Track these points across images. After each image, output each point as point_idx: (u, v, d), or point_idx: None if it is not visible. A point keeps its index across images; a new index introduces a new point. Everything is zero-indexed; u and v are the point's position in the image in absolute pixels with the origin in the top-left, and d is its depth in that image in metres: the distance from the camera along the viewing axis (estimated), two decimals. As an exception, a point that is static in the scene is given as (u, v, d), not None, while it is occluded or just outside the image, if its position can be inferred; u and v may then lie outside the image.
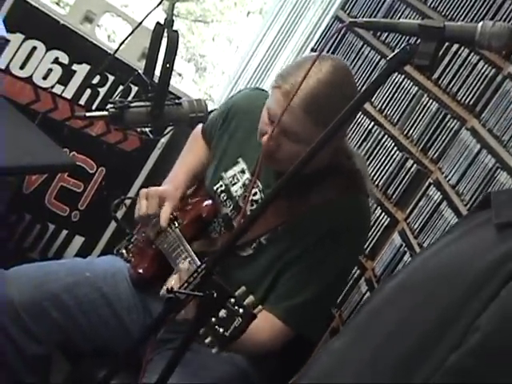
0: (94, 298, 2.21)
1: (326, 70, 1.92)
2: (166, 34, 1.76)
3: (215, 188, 2.22)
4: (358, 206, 2.11)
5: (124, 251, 2.32)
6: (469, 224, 1.27)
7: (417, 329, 1.14)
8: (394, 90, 2.61)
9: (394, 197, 2.47)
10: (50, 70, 2.89)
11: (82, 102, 2.97)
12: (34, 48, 2.85)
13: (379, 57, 2.77)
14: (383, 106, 2.64)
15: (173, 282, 1.96)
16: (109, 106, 1.76)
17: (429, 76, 2.48)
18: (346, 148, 2.13)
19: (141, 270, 2.23)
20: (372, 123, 2.67)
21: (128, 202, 2.48)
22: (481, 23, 1.33)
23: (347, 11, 3.03)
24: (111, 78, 2.97)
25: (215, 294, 1.48)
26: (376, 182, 2.54)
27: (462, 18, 2.45)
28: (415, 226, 2.29)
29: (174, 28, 1.76)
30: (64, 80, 2.92)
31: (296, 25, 3.39)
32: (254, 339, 1.85)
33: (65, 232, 3.15)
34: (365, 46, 2.85)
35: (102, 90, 2.98)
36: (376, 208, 2.50)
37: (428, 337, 1.12)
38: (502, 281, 1.10)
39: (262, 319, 1.91)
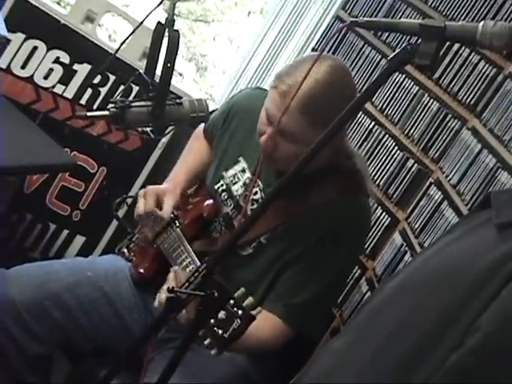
0: (95, 298, 2.22)
1: (323, 70, 1.92)
2: (166, 34, 1.76)
3: (216, 187, 2.23)
4: (359, 206, 2.11)
5: (125, 250, 2.33)
6: (469, 224, 1.27)
7: (417, 329, 1.14)
8: (394, 90, 2.61)
9: (394, 196, 2.47)
10: (51, 69, 2.90)
11: (82, 101, 2.98)
12: (35, 48, 2.85)
13: (380, 56, 2.77)
14: (384, 106, 2.64)
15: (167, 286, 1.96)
16: (110, 105, 1.76)
17: (430, 76, 2.48)
18: (346, 148, 2.13)
19: (142, 270, 2.23)
20: (373, 123, 2.67)
21: (129, 200, 2.48)
22: (482, 23, 1.33)
23: (348, 11, 3.03)
24: (112, 77, 2.97)
25: (216, 294, 1.48)
26: (377, 182, 2.54)
27: (462, 18, 2.45)
28: (416, 226, 2.29)
29: (175, 28, 1.76)
30: (65, 80, 2.92)
31: (297, 24, 3.39)
32: (255, 339, 1.85)
33: (66, 232, 3.15)
34: (366, 45, 2.85)
35: (103, 90, 2.98)
36: (377, 208, 2.50)
37: (428, 336, 1.12)
38: (502, 281, 1.10)
39: (262, 319, 1.91)
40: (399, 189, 2.46)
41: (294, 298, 2.03)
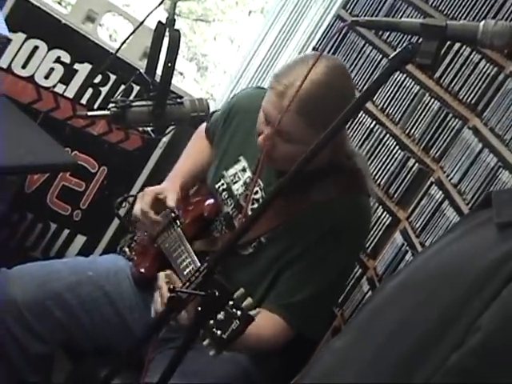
0: (96, 297, 2.22)
1: (319, 70, 1.92)
2: (167, 34, 1.76)
3: (217, 186, 2.23)
4: (359, 206, 2.11)
5: (127, 249, 2.33)
6: (470, 223, 1.27)
7: (418, 328, 1.14)
8: (395, 89, 2.61)
9: (395, 196, 2.47)
10: (52, 69, 2.90)
11: (83, 101, 2.98)
12: (36, 47, 2.85)
13: (381, 56, 2.77)
14: (385, 105, 2.64)
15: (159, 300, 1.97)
16: (110, 105, 1.76)
17: (430, 75, 2.48)
18: (346, 147, 2.13)
19: (142, 270, 2.24)
20: (374, 122, 2.66)
21: (131, 199, 2.49)
22: (483, 22, 1.33)
23: (349, 10, 3.03)
24: (113, 77, 2.97)
25: (217, 293, 1.48)
26: (378, 181, 2.54)
27: (463, 17, 2.44)
28: (417, 225, 2.29)
29: (176, 27, 1.76)
30: (66, 79, 2.92)
31: (297, 24, 3.38)
32: (256, 338, 1.85)
33: (67, 231, 3.15)
34: (366, 45, 2.84)
35: (104, 90, 2.98)
36: (378, 207, 2.49)
37: (429, 336, 1.12)
38: (503, 280, 1.10)
39: (263, 318, 1.92)
40: (400, 188, 2.46)
41: (294, 297, 2.03)
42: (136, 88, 2.87)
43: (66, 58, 2.90)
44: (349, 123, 2.58)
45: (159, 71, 1.78)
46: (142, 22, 1.80)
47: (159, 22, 1.78)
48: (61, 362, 2.29)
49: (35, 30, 2.83)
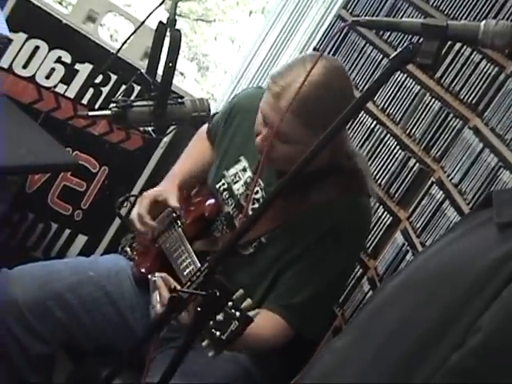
0: (97, 297, 2.22)
1: (317, 71, 1.91)
2: (168, 34, 1.76)
3: (217, 186, 2.23)
4: (359, 206, 2.11)
5: (128, 249, 2.33)
6: (470, 223, 1.27)
7: (419, 328, 1.14)
8: (396, 89, 2.61)
9: (396, 196, 2.47)
10: (53, 69, 2.90)
11: (84, 101, 2.98)
12: (37, 47, 2.85)
13: (382, 56, 2.77)
14: (386, 105, 2.64)
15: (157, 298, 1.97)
16: (111, 105, 1.76)
17: (431, 75, 2.48)
18: (347, 148, 2.13)
19: (143, 269, 2.24)
20: (374, 122, 2.66)
21: (132, 199, 2.49)
22: (484, 22, 1.33)
23: (349, 10, 3.03)
24: (114, 77, 2.97)
25: (218, 293, 1.48)
26: (378, 181, 2.54)
27: (464, 17, 2.44)
28: (418, 225, 2.29)
29: (177, 27, 1.76)
30: (67, 79, 2.92)
31: (298, 24, 3.38)
32: (256, 338, 1.86)
33: (68, 231, 3.15)
34: (367, 44, 2.84)
35: (105, 90, 2.98)
36: (378, 207, 2.49)
37: (430, 336, 1.12)
38: (503, 280, 1.10)
39: (263, 318, 1.92)
40: (401, 188, 2.46)
41: (294, 299, 2.03)
42: (137, 88, 2.86)
43: (67, 58, 2.90)
44: (349, 123, 2.58)
45: (160, 71, 1.78)
46: (143, 22, 1.80)
47: (160, 22, 1.78)
48: (62, 362, 2.29)
49: (36, 30, 2.83)
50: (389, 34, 2.75)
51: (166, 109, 1.78)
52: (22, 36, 2.81)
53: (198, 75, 5.78)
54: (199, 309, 1.49)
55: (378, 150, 2.60)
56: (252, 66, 3.51)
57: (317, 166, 1.90)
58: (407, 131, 2.51)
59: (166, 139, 3.07)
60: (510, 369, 1.07)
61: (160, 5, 1.75)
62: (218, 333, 1.59)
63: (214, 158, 2.33)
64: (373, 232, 2.45)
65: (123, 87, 2.96)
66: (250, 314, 1.63)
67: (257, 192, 2.14)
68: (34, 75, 2.88)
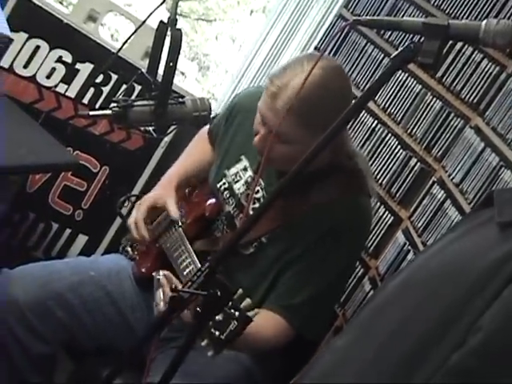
0: (98, 297, 2.22)
1: (314, 71, 1.91)
2: (169, 33, 1.76)
3: (218, 186, 2.23)
4: (360, 207, 2.11)
5: (129, 249, 2.33)
6: (472, 222, 1.27)
7: (420, 327, 1.14)
8: (397, 89, 2.61)
9: (397, 195, 2.47)
10: (54, 68, 2.89)
11: (85, 100, 2.97)
12: (38, 47, 2.85)
13: (383, 55, 2.77)
14: (387, 105, 2.64)
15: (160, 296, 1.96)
16: (112, 104, 1.76)
17: (432, 74, 2.48)
18: (347, 148, 2.12)
19: (144, 269, 2.24)
20: (375, 122, 2.66)
21: (133, 199, 2.49)
22: (485, 21, 1.33)
23: (350, 9, 3.03)
24: (114, 76, 2.97)
25: (219, 293, 1.48)
26: (379, 181, 2.54)
27: (465, 17, 2.44)
28: (419, 225, 2.29)
29: (178, 27, 1.76)
30: (67, 79, 2.92)
31: (299, 23, 3.38)
32: (257, 337, 1.86)
33: (68, 231, 3.15)
34: (368, 44, 2.84)
35: (106, 89, 2.98)
36: (379, 206, 2.49)
37: (431, 335, 1.12)
38: (504, 280, 1.10)
39: (264, 317, 1.92)
40: (402, 188, 2.46)
41: (294, 299, 2.03)
42: (138, 87, 2.86)
43: (68, 57, 2.89)
44: (350, 123, 2.58)
45: (161, 71, 1.78)
46: (144, 22, 1.80)
47: (161, 21, 1.77)
48: (63, 362, 2.29)
49: (37, 30, 2.82)
50: (390, 33, 2.74)
51: (167, 108, 1.78)
52: (23, 36, 2.81)
53: (199, 75, 5.79)
54: (200, 309, 1.49)
55: (379, 150, 2.60)
56: (253, 65, 3.51)
57: (317, 166, 1.90)
58: (408, 131, 2.51)
59: (166, 139, 3.07)
60: (511, 369, 1.07)
61: (161, 4, 1.75)
62: (217, 332, 1.59)
63: (214, 157, 2.33)
64: (374, 232, 2.45)
65: (124, 87, 2.95)
66: (250, 313, 1.63)
67: (257, 191, 2.14)
68: (34, 75, 2.87)
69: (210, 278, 1.47)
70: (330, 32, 3.12)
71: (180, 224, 2.19)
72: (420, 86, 2.52)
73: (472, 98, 2.30)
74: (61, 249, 3.16)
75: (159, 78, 1.79)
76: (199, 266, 1.96)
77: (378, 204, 2.49)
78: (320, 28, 3.29)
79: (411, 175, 2.43)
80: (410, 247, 2.29)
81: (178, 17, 1.76)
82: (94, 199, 3.12)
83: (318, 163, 1.89)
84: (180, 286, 1.73)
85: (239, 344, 1.66)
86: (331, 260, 2.04)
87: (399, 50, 1.37)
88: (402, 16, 2.71)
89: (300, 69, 1.93)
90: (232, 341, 1.60)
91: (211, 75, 5.80)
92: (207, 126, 2.40)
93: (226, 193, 2.21)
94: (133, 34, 1.83)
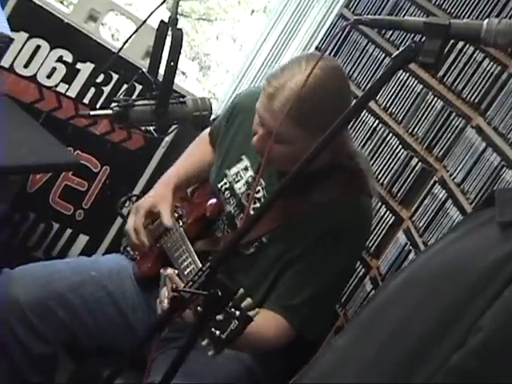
0: (99, 297, 2.22)
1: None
2: (170, 33, 1.76)
3: (219, 186, 2.23)
4: (360, 207, 2.10)
5: (130, 249, 2.33)
6: (473, 222, 1.27)
7: (421, 326, 1.14)
8: (398, 88, 2.60)
9: (398, 195, 2.47)
10: (54, 68, 2.89)
11: (86, 100, 2.97)
12: (38, 47, 2.84)
13: (384, 55, 2.77)
14: (388, 104, 2.64)
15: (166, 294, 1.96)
16: (113, 104, 1.75)
17: (434, 74, 2.48)
18: (348, 148, 2.12)
19: (145, 269, 2.24)
20: (377, 121, 2.66)
21: (134, 199, 2.48)
22: (486, 20, 1.33)
23: (352, 9, 3.03)
24: (115, 76, 2.96)
25: (220, 293, 1.48)
26: (381, 181, 2.54)
27: (467, 16, 2.44)
28: (420, 225, 2.29)
29: (178, 26, 1.75)
30: (68, 79, 2.92)
31: (300, 23, 3.38)
32: (258, 337, 1.86)
33: (69, 231, 3.15)
34: (369, 44, 2.84)
35: (106, 89, 2.97)
36: (381, 206, 2.49)
37: (431, 335, 1.12)
38: (505, 280, 1.10)
39: (265, 317, 1.92)
40: (403, 187, 2.46)
41: (294, 299, 2.03)
42: (138, 87, 2.86)
43: (68, 57, 2.89)
44: (351, 123, 2.58)
45: (162, 70, 1.78)
46: (145, 21, 1.80)
47: (162, 21, 1.77)
48: (64, 362, 2.29)
49: (37, 30, 2.82)
50: (391, 32, 2.74)
51: (168, 108, 1.77)
52: (23, 35, 2.81)
53: (200, 74, 5.79)
54: (201, 309, 1.48)
55: (381, 150, 2.60)
56: (254, 65, 3.51)
57: (318, 166, 1.90)
58: (409, 130, 2.51)
59: (167, 139, 3.07)
60: (511, 369, 1.06)
61: (161, 4, 1.75)
62: (217, 332, 1.58)
63: (215, 158, 2.33)
64: (375, 231, 2.44)
65: (125, 86, 2.95)
66: (250, 313, 1.63)
67: (258, 191, 2.14)
68: (35, 74, 2.87)
69: (211, 277, 1.46)
70: (331, 32, 3.12)
71: (181, 224, 2.19)
72: (421, 86, 2.52)
73: (473, 97, 2.30)
74: (61, 249, 3.16)
75: (160, 78, 1.79)
76: (200, 265, 1.96)
77: (379, 204, 2.49)
78: (321, 28, 3.28)
79: (412, 175, 2.43)
80: (411, 247, 2.29)
81: (178, 16, 1.76)
82: (94, 199, 3.11)
83: (319, 163, 1.89)
84: (180, 287, 1.73)
85: (240, 344, 1.66)
86: (331, 260, 2.04)
87: (400, 49, 1.37)
88: (403, 15, 2.71)
89: (297, 69, 1.93)
90: (233, 340, 1.60)
91: (212, 75, 5.80)
92: (208, 129, 2.40)
93: (226, 193, 2.21)
94: (133, 33, 1.83)
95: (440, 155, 2.36)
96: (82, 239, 3.18)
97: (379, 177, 2.55)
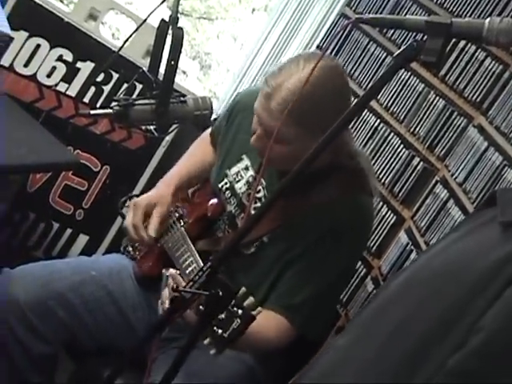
0: (99, 297, 2.22)
1: (308, 70, 1.90)
2: (170, 32, 1.75)
3: (220, 185, 2.22)
4: (361, 207, 2.10)
5: (131, 249, 2.33)
6: (474, 222, 1.27)
7: (422, 326, 1.13)
8: (400, 87, 2.60)
9: (400, 195, 2.46)
10: (54, 67, 2.89)
11: (86, 99, 2.97)
12: (38, 46, 2.84)
13: (385, 54, 2.76)
14: (389, 104, 2.63)
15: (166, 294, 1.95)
16: (113, 103, 1.75)
17: (435, 73, 2.47)
18: (350, 147, 2.11)
19: (145, 269, 2.24)
20: (378, 121, 2.66)
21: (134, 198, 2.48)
22: (488, 19, 1.32)
23: (353, 8, 3.02)
24: (115, 75, 2.96)
25: (220, 293, 1.47)
26: (382, 180, 2.54)
27: (468, 15, 2.43)
28: (422, 224, 2.28)
29: (179, 25, 1.75)
30: (68, 78, 2.91)
31: (301, 22, 3.38)
32: (259, 337, 1.85)
33: (69, 230, 3.15)
34: (371, 42, 2.84)
35: (107, 88, 2.97)
36: (382, 206, 2.49)
37: (432, 334, 1.11)
38: (506, 280, 1.09)
39: (266, 317, 1.92)
40: (405, 187, 2.45)
41: (294, 299, 2.03)
42: (139, 86, 2.86)
43: (69, 56, 2.89)
44: (353, 122, 2.57)
45: (162, 69, 1.77)
46: (145, 20, 1.80)
47: (162, 20, 1.77)
48: (64, 362, 2.28)
49: (37, 29, 2.82)
50: (392, 31, 2.74)
51: (168, 107, 1.77)
52: (23, 34, 2.81)
53: (201, 74, 5.78)
54: (202, 308, 1.48)
55: (382, 149, 2.60)
56: (254, 64, 3.51)
57: (318, 166, 1.89)
58: (411, 130, 2.51)
59: (168, 138, 3.07)
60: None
61: (162, 3, 1.75)
62: (220, 331, 1.58)
63: (216, 158, 2.32)
64: (377, 231, 2.44)
65: (125, 86, 2.95)
66: (253, 312, 1.62)
67: (259, 191, 2.13)
68: (35, 74, 2.87)
69: (212, 277, 1.46)
70: (333, 30, 3.12)
71: (182, 223, 2.19)
72: (423, 85, 2.52)
73: (475, 96, 2.29)
74: (61, 248, 3.15)
75: (160, 77, 1.78)
76: (201, 264, 1.96)
77: (381, 203, 2.48)
78: (322, 26, 3.28)
79: (414, 174, 2.43)
80: (412, 247, 2.29)
81: (179, 15, 1.76)
82: (94, 199, 3.11)
83: (319, 163, 1.88)
84: (181, 287, 1.72)
85: (241, 344, 1.66)
86: (332, 260, 2.03)
87: (402, 48, 1.37)
88: (405, 14, 2.70)
89: (295, 69, 1.92)
90: (235, 339, 1.59)
91: (213, 74, 5.80)
92: (209, 129, 2.40)
93: (227, 192, 2.21)
94: (134, 32, 1.83)
95: (442, 155, 2.35)
96: (82, 239, 3.18)
97: (380, 176, 2.54)
